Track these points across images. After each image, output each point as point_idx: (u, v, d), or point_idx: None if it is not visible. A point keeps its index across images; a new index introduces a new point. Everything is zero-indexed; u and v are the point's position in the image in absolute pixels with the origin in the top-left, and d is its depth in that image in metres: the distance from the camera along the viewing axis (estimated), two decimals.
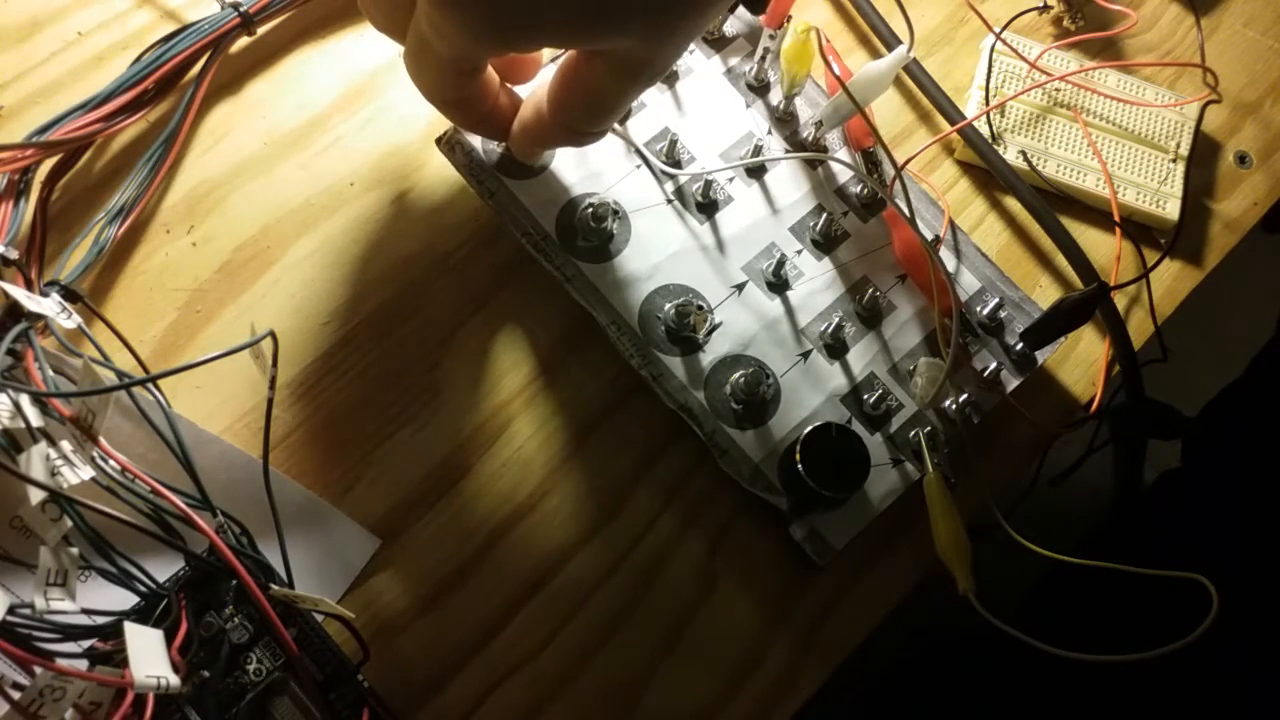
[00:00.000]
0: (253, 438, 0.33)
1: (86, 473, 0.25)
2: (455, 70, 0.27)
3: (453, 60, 0.26)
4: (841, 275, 0.36)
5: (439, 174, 0.37)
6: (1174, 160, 0.42)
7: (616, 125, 0.36)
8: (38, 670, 0.22)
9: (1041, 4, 0.45)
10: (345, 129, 0.37)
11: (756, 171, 0.37)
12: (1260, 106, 0.46)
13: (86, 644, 0.27)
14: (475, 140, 0.35)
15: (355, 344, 0.34)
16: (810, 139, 0.38)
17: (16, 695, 0.22)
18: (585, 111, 0.29)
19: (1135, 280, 0.40)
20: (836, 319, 0.35)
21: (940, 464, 0.33)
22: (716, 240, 0.36)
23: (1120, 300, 0.40)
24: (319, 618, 0.29)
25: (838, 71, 0.38)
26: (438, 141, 0.35)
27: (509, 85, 0.32)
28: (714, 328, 0.35)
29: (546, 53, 0.33)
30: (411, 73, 0.28)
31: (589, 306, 0.34)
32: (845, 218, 0.37)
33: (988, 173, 0.41)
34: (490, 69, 0.30)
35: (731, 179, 0.37)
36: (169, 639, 0.26)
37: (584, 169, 0.35)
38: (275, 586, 0.28)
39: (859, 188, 0.37)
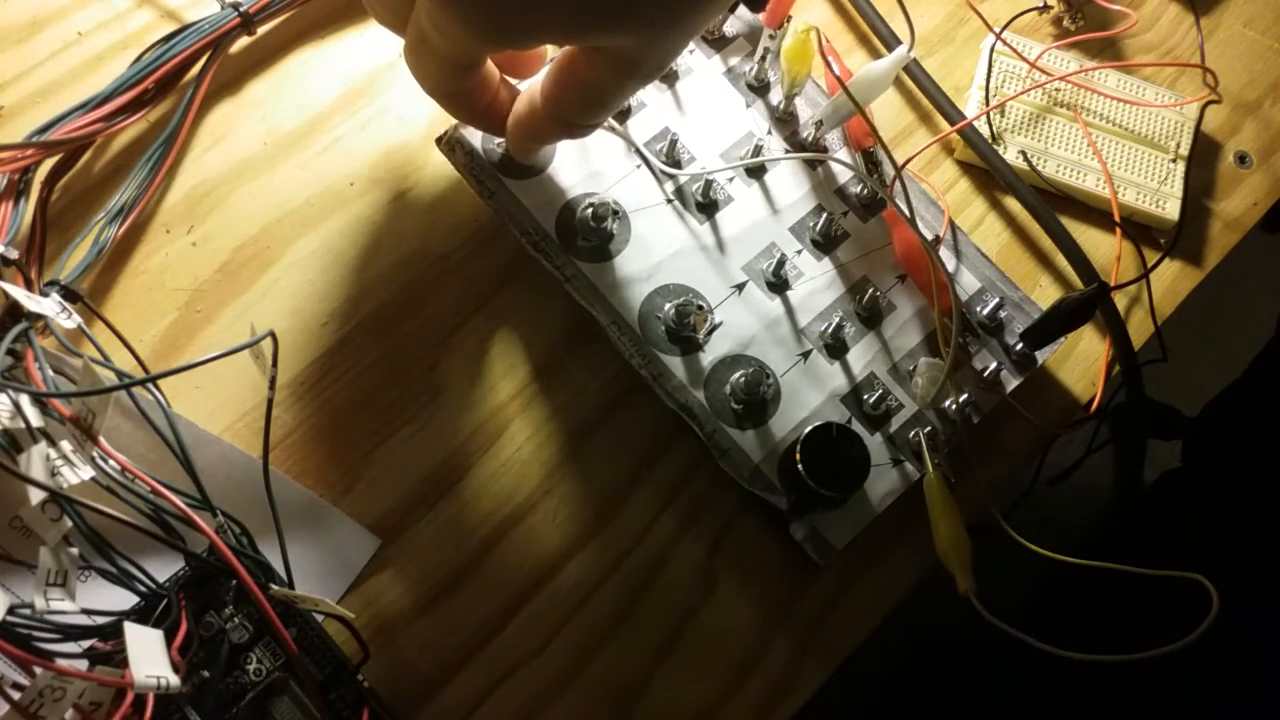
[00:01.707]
0: (253, 438, 0.33)
1: (86, 473, 0.25)
2: (454, 65, 0.27)
3: (452, 56, 0.26)
4: (841, 275, 0.36)
5: (439, 174, 0.37)
6: (1174, 160, 0.42)
7: (616, 125, 0.36)
8: (38, 670, 0.22)
9: (1041, 4, 0.45)
10: (345, 129, 0.37)
11: (756, 171, 0.37)
12: (1260, 106, 0.46)
13: (86, 644, 0.27)
14: (475, 140, 0.35)
15: (355, 344, 0.34)
16: (810, 139, 0.38)
17: (16, 695, 0.22)
18: (580, 106, 0.29)
19: (1135, 280, 0.40)
20: (836, 319, 0.35)
21: (940, 464, 0.33)
22: (716, 240, 0.36)
23: (1120, 300, 0.40)
24: (319, 618, 0.29)
25: (838, 71, 0.38)
26: (438, 141, 0.35)
27: (509, 80, 0.32)
28: (714, 327, 0.35)
29: (550, 49, 0.33)
30: (411, 66, 0.28)
31: (589, 306, 0.34)
32: (845, 218, 0.37)
33: (988, 173, 0.41)
34: (490, 63, 0.30)
35: (731, 179, 0.37)
36: (169, 639, 0.26)
37: (584, 169, 0.35)
38: (275, 586, 0.28)
39: (859, 188, 0.37)
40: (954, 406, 0.35)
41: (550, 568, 0.33)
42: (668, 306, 0.34)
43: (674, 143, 0.36)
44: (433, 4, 0.24)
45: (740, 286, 0.35)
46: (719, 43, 0.38)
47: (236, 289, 0.34)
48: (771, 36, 0.37)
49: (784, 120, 0.38)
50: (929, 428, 0.34)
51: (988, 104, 0.41)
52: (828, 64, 0.38)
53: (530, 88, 0.30)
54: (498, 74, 0.31)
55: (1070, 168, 0.41)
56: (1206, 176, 0.44)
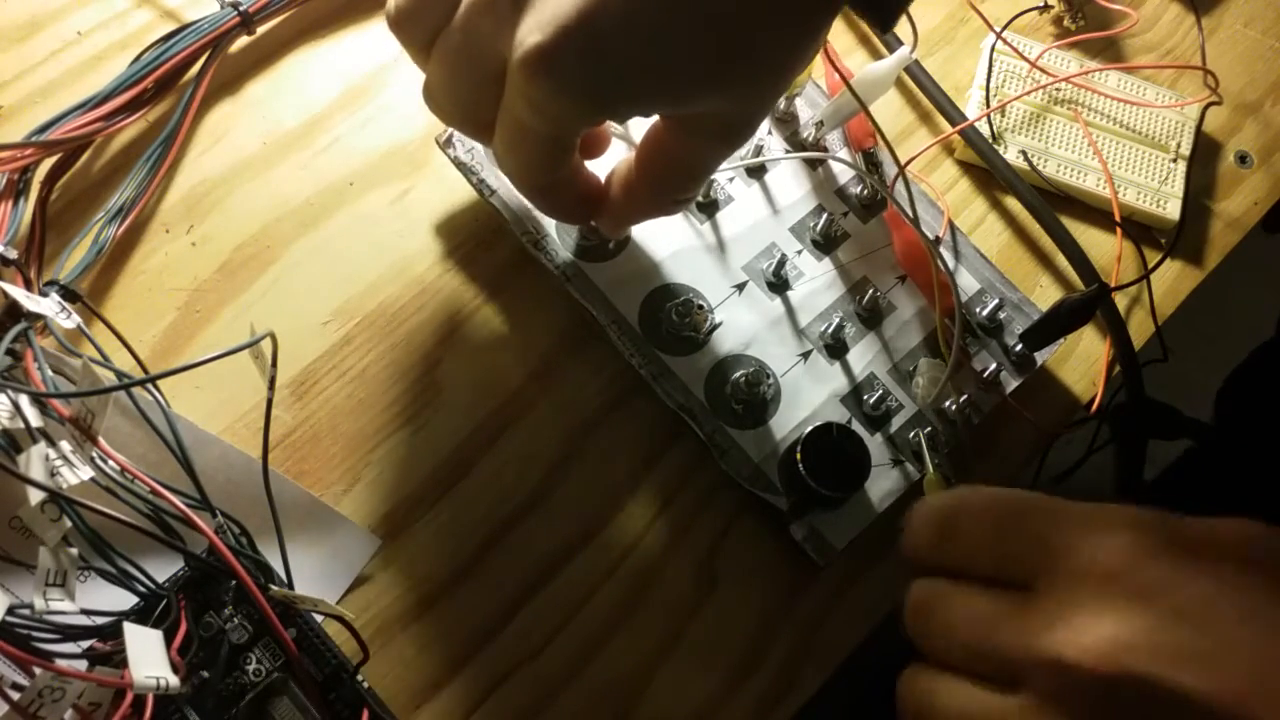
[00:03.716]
0: (252, 438, 0.33)
1: (86, 473, 0.25)
2: (553, 148, 0.27)
3: (552, 137, 0.26)
4: (842, 275, 0.36)
5: (439, 173, 0.37)
6: (1175, 160, 0.42)
7: (617, 126, 0.36)
8: (37, 671, 0.22)
9: (1042, 4, 0.45)
10: (345, 128, 0.37)
11: (757, 171, 0.37)
12: (1260, 106, 0.46)
13: (86, 644, 0.27)
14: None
15: (355, 344, 0.34)
16: (811, 139, 0.38)
17: (16, 695, 0.22)
18: (680, 180, 0.29)
19: (1136, 281, 0.40)
20: (837, 319, 0.35)
21: (940, 464, 0.33)
22: (717, 240, 0.36)
23: (1121, 300, 0.40)
24: (319, 618, 0.29)
25: (838, 72, 0.38)
26: (438, 141, 0.35)
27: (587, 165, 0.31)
28: (714, 327, 0.35)
29: (611, 126, 0.33)
30: (507, 161, 0.27)
31: (589, 306, 0.34)
32: (845, 218, 0.37)
33: (988, 173, 0.41)
34: (577, 152, 0.29)
35: (732, 179, 0.37)
36: (168, 639, 0.26)
37: None
38: (275, 587, 0.28)
39: (859, 188, 0.37)
40: (954, 407, 0.35)
41: (550, 568, 0.33)
42: (668, 306, 0.34)
43: None
44: (530, 83, 0.23)
45: (740, 286, 0.35)
46: None
47: (236, 289, 0.34)
48: None
49: (784, 120, 0.38)
50: (929, 428, 0.34)
51: (988, 104, 0.41)
52: (829, 64, 0.38)
53: (616, 173, 0.30)
54: (583, 162, 0.30)
55: (1071, 167, 0.41)
56: (1207, 176, 0.44)
